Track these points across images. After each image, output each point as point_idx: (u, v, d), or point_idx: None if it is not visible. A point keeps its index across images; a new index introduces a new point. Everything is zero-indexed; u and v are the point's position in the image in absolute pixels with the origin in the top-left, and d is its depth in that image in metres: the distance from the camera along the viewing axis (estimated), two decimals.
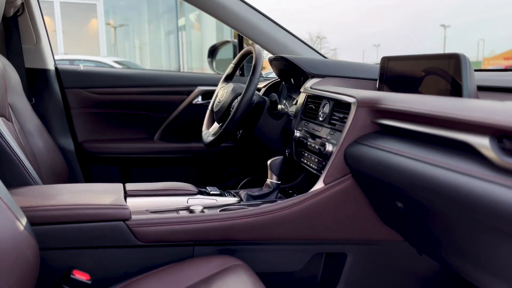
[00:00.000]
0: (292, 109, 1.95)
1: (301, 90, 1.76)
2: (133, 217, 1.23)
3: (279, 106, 1.82)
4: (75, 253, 1.18)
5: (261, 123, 1.86)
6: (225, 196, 1.51)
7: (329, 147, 1.35)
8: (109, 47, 18.68)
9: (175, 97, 2.38)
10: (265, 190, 1.58)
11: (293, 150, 1.72)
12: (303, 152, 1.63)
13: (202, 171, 2.46)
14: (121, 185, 1.43)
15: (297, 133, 1.65)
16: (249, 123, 1.87)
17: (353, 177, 1.31)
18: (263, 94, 2.20)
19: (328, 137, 1.41)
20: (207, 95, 2.40)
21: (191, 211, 1.36)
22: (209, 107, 2.10)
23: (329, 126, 1.45)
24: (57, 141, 2.13)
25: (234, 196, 1.52)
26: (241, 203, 1.50)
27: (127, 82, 2.32)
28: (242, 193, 1.55)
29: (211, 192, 1.49)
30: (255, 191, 1.57)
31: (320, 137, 1.48)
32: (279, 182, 1.58)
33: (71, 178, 2.07)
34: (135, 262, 1.23)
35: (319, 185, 1.33)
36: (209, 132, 1.97)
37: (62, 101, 2.21)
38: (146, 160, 2.34)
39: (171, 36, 18.70)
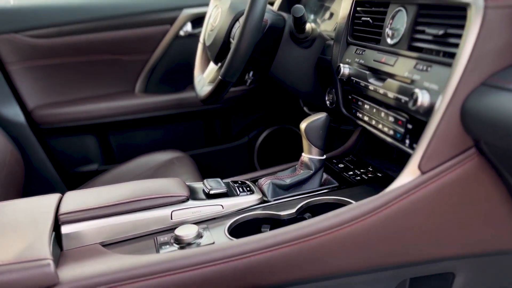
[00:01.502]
0: (328, 28, 1.25)
1: None
2: (65, 276, 0.64)
3: (308, 26, 1.14)
4: None
5: (281, 57, 1.18)
6: (236, 193, 0.89)
7: (424, 99, 0.69)
8: None
9: (154, 30, 1.68)
10: (301, 171, 0.95)
11: (339, 97, 1.05)
12: (359, 102, 0.96)
13: (206, 128, 1.82)
14: (55, 198, 0.83)
15: (345, 69, 0.97)
16: (262, 59, 1.19)
17: (480, 154, 0.67)
18: (280, 9, 1.48)
19: (417, 77, 0.74)
20: (199, 20, 1.70)
21: (179, 242, 0.76)
22: (200, 39, 1.41)
23: (415, 55, 0.77)
24: None
25: (250, 192, 0.90)
26: (265, 204, 0.89)
27: (83, 15, 1.62)
28: (264, 183, 0.92)
29: (211, 192, 0.87)
30: (285, 177, 0.95)
31: (393, 76, 0.81)
32: (323, 158, 0.94)
33: (27, 164, 1.48)
34: None
35: (410, 174, 0.70)
36: (203, 79, 1.31)
37: None
38: (129, 122, 1.71)
39: None
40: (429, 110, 0.69)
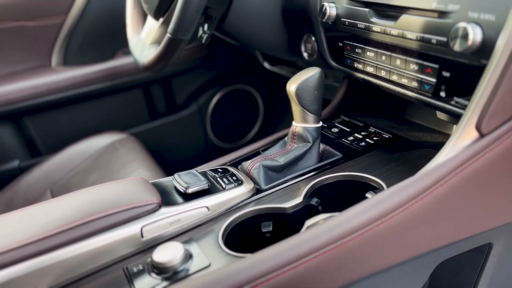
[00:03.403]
0: None
1: None
2: None
3: None
4: None
5: (238, 2, 0.95)
6: (221, 187, 0.68)
7: (476, 35, 0.51)
8: None
9: None
10: (294, 145, 0.75)
11: (325, 46, 0.85)
12: (357, 49, 0.76)
13: (147, 99, 1.54)
14: None
15: (331, 9, 0.77)
16: (215, 7, 0.95)
17: None
18: None
19: (454, 8, 0.55)
20: None
21: (161, 271, 0.54)
22: None
23: None
24: None
25: (238, 182, 0.69)
26: (261, 195, 0.69)
27: None
28: (253, 167, 0.72)
29: (189, 191, 0.65)
30: (276, 155, 0.74)
31: (409, 11, 0.62)
32: (320, 125, 0.75)
33: None
34: None
35: (465, 138, 0.52)
36: (141, 40, 1.04)
37: None
38: (49, 103, 1.39)
39: None
40: (481, 50, 0.51)
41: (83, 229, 0.57)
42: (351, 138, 0.81)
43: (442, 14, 0.57)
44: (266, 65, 1.29)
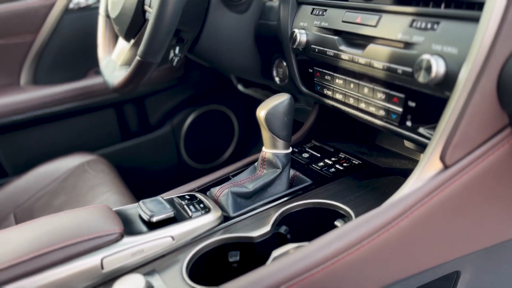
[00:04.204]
0: None
1: None
2: None
3: None
4: None
5: (211, 26, 0.95)
6: (187, 215, 0.66)
7: (439, 68, 0.51)
8: None
9: (36, 3, 1.32)
10: (264, 171, 0.74)
11: (296, 72, 0.85)
12: (326, 76, 0.77)
13: (119, 119, 1.52)
14: None
15: (302, 36, 0.77)
16: (187, 30, 0.95)
17: None
18: None
19: (419, 39, 0.56)
20: None
21: None
22: (100, 11, 1.11)
23: (409, 9, 0.58)
24: None
25: (206, 209, 0.67)
26: (228, 223, 0.67)
27: None
28: (221, 193, 0.70)
29: (154, 219, 0.63)
30: (245, 181, 0.73)
31: (377, 40, 0.63)
32: (290, 151, 0.74)
33: None
34: None
35: (429, 169, 0.52)
36: (112, 61, 1.02)
37: None
38: (17, 123, 1.35)
39: None
40: (444, 82, 0.52)
41: (38, 261, 0.54)
42: (321, 164, 0.81)
43: (407, 45, 0.58)
44: (240, 87, 1.29)
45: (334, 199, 0.69)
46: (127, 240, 0.59)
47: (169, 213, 0.64)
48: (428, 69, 0.51)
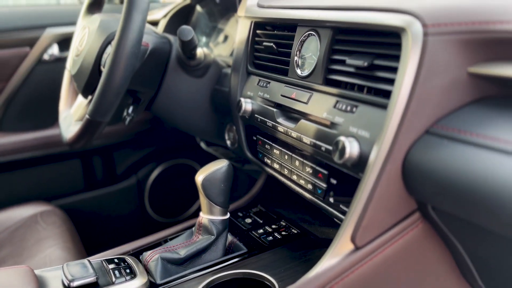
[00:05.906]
0: (223, 53, 1.08)
1: (239, 13, 0.89)
2: None
3: (199, 51, 0.95)
4: None
5: (168, 88, 0.98)
6: (111, 280, 0.65)
7: (352, 150, 0.53)
8: None
9: (8, 53, 1.35)
10: (199, 237, 0.74)
11: (242, 138, 0.87)
12: (266, 145, 0.79)
13: (85, 169, 1.51)
14: None
15: (247, 104, 0.80)
16: (144, 91, 0.97)
17: (425, 218, 0.53)
18: (166, 31, 1.27)
19: (339, 120, 0.58)
20: (69, 41, 1.41)
21: None
22: (67, 66, 1.14)
23: (334, 91, 0.61)
24: None
25: (131, 274, 0.66)
26: None
27: None
28: (151, 259, 0.69)
29: (73, 285, 0.62)
30: (178, 246, 0.73)
31: (308, 117, 0.65)
32: (227, 217, 0.75)
33: None
34: None
35: (342, 250, 0.53)
36: (69, 116, 1.04)
37: None
38: None
39: None
40: (359, 164, 0.53)
41: None
42: (260, 231, 0.81)
43: (332, 124, 0.60)
44: (203, 145, 1.31)
45: (264, 270, 0.68)
46: None
47: (90, 278, 0.63)
48: (342, 150, 0.53)
